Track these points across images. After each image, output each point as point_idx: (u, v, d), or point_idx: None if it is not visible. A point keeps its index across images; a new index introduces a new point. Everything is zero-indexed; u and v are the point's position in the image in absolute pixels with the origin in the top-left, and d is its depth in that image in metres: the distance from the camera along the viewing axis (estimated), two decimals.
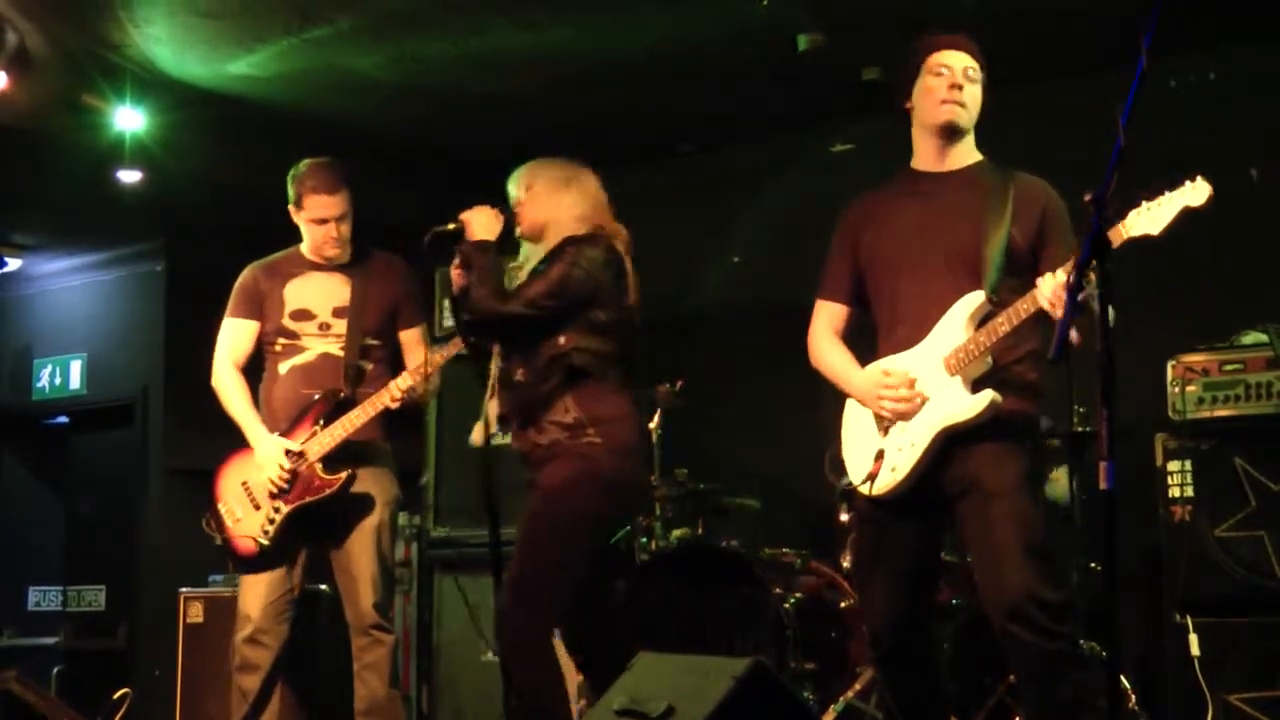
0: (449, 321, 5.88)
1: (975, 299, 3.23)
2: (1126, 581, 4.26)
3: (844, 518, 4.62)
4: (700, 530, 5.13)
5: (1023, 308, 3.11)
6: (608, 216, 3.87)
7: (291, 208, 4.41)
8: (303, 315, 4.39)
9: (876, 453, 3.31)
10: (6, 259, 7.73)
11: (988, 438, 3.19)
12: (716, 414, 5.87)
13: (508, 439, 3.90)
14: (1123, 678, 4.18)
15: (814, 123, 5.99)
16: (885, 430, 3.33)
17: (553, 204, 3.84)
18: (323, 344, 4.38)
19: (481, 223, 3.83)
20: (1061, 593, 3.17)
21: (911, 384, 3.26)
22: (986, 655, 4.05)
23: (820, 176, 5.92)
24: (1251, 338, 4.49)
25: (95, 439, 8.13)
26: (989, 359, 3.21)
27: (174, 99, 5.49)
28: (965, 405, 3.19)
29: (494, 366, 3.87)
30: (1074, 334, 2.86)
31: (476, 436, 3.89)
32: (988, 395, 3.17)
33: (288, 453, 4.23)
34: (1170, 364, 4.53)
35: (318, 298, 4.40)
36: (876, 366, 3.36)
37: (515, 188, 3.90)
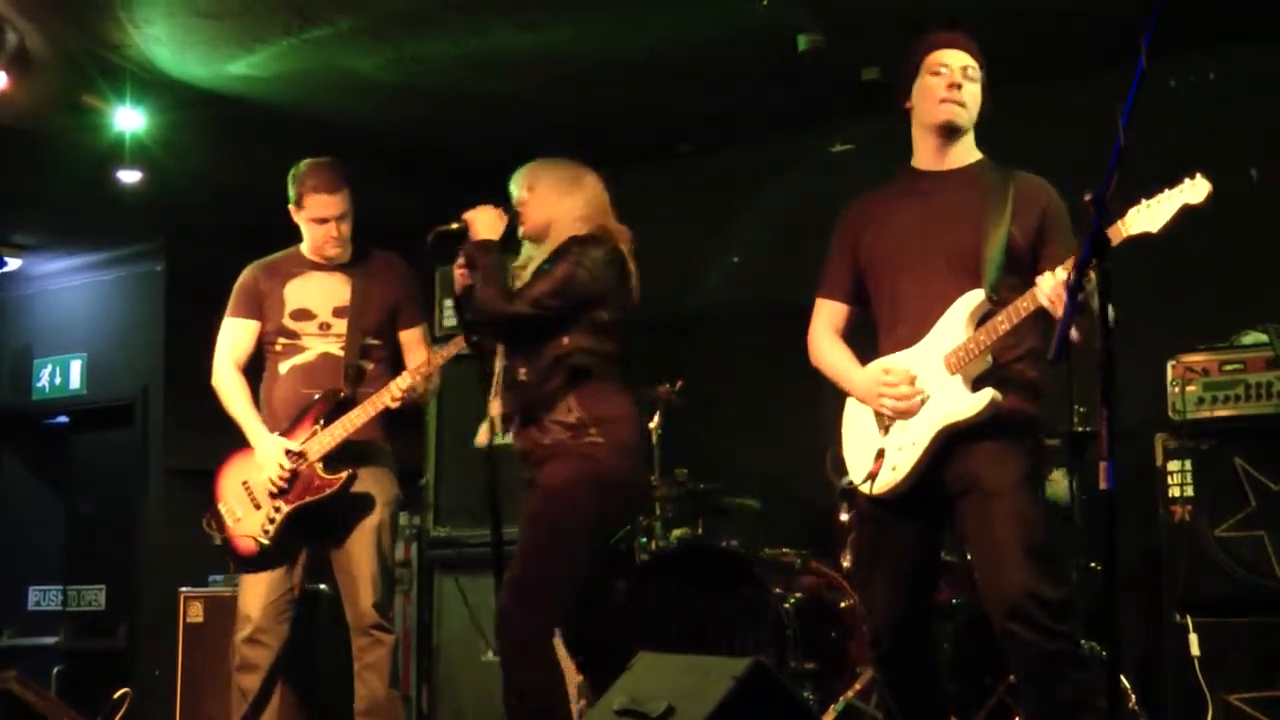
0: (449, 321, 5.89)
1: (975, 297, 3.23)
2: (1126, 581, 4.26)
3: (844, 518, 4.61)
4: (700, 530, 5.13)
5: (1022, 306, 3.11)
6: (610, 217, 3.88)
7: (292, 207, 4.41)
8: (303, 315, 4.39)
9: (877, 452, 3.32)
10: (6, 259, 7.73)
11: (988, 436, 3.19)
12: (716, 414, 5.87)
13: (509, 439, 3.90)
14: (1123, 678, 4.18)
15: (814, 123, 5.99)
16: (886, 429, 3.33)
17: (556, 204, 3.85)
18: (323, 344, 4.38)
19: (485, 222, 3.84)
20: (1061, 591, 3.17)
21: (912, 381, 3.26)
22: (986, 655, 4.05)
23: (820, 176, 5.92)
24: (1251, 338, 4.49)
25: (95, 439, 8.13)
26: (989, 357, 3.22)
27: (174, 99, 5.49)
28: (965, 404, 3.19)
29: (497, 366, 3.88)
30: (1074, 333, 2.86)
31: (482, 437, 3.89)
32: (988, 394, 3.17)
33: (288, 453, 4.23)
34: (1170, 364, 4.53)
35: (318, 297, 4.40)
36: (877, 365, 3.36)
37: (518, 188, 3.91)
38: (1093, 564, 4.44)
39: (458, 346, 4.30)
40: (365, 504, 4.31)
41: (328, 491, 4.23)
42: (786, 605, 4.51)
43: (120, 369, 7.82)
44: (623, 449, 3.75)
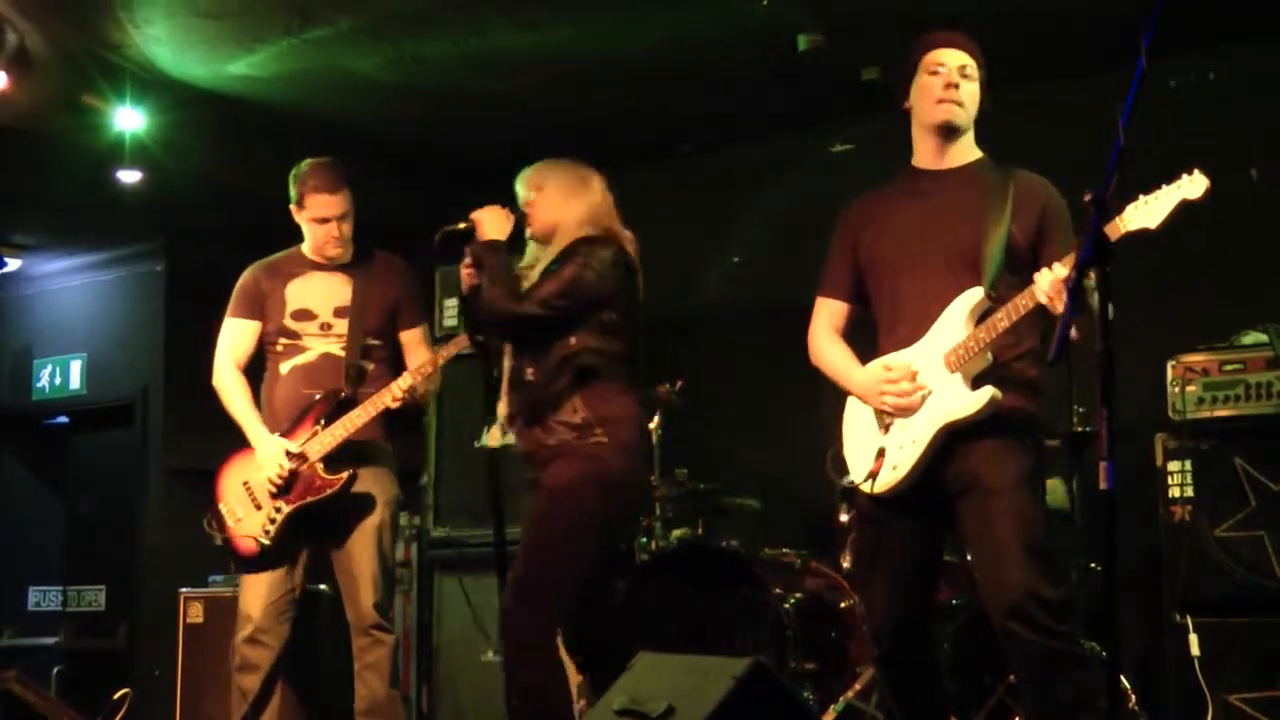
0: (450, 321, 5.89)
1: (974, 295, 3.23)
2: (1126, 581, 4.26)
3: (844, 518, 4.61)
4: (700, 530, 5.13)
5: (1021, 303, 3.11)
6: (616, 219, 3.90)
7: (293, 207, 4.41)
8: (304, 315, 4.39)
9: (878, 451, 3.32)
10: (6, 259, 7.73)
11: (988, 435, 3.19)
12: (716, 414, 5.87)
13: (511, 439, 3.90)
14: (1123, 678, 4.17)
15: (814, 123, 5.99)
16: (886, 428, 3.33)
17: (563, 206, 3.85)
18: (324, 344, 4.38)
19: (492, 222, 3.84)
20: (1062, 590, 3.17)
21: (913, 376, 3.26)
22: (986, 655, 4.05)
23: (820, 176, 5.92)
24: (1251, 338, 4.49)
25: (95, 439, 8.13)
26: (989, 355, 3.22)
27: (174, 99, 5.49)
28: (965, 402, 3.19)
29: (506, 366, 3.88)
30: (1073, 332, 2.86)
31: (495, 439, 3.89)
32: (988, 392, 3.17)
33: (288, 453, 4.23)
34: (1170, 364, 4.53)
35: (319, 297, 4.40)
36: (878, 363, 3.36)
37: (525, 188, 3.91)
38: (1093, 564, 4.44)
39: (458, 346, 4.31)
40: (366, 504, 4.31)
41: (328, 491, 4.23)
42: (786, 605, 4.51)
43: (120, 369, 7.82)
44: (626, 449, 3.76)
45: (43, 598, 8.34)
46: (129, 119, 5.48)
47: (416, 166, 6.48)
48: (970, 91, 3.34)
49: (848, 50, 5.15)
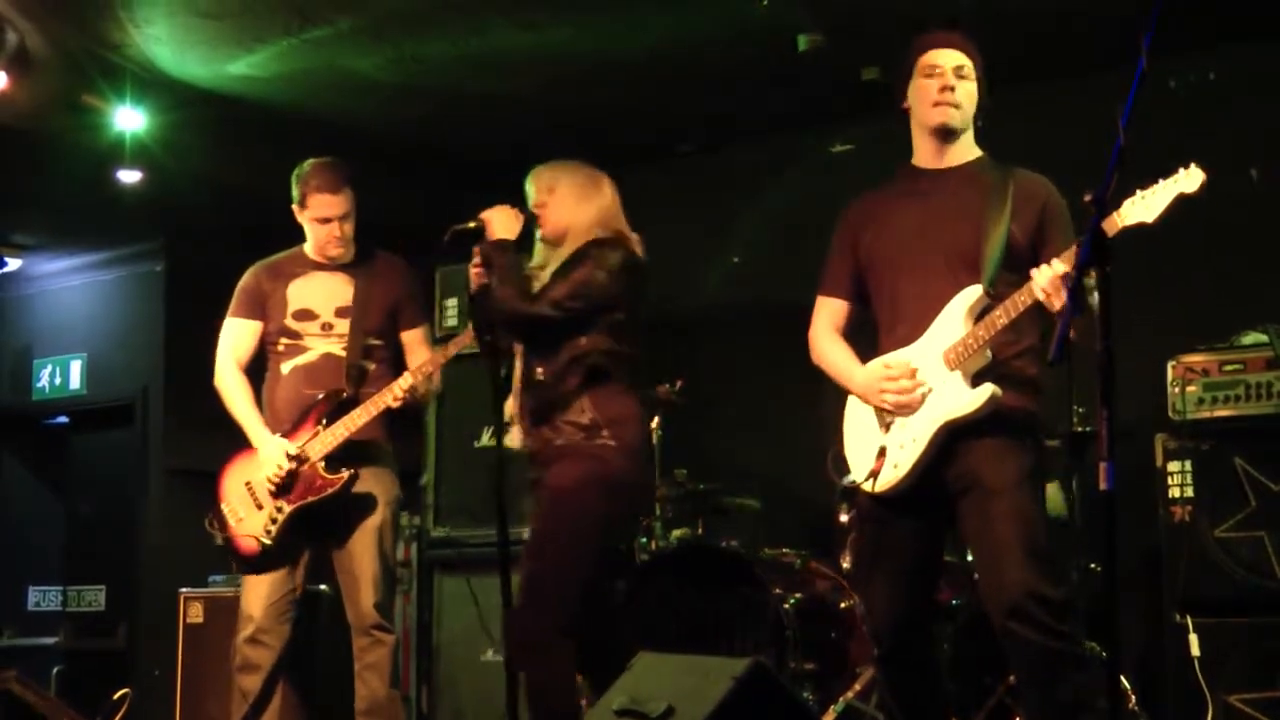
0: (450, 321, 5.90)
1: (973, 293, 3.23)
2: (1126, 582, 4.26)
3: (844, 518, 4.61)
4: (700, 530, 5.13)
5: (1020, 300, 3.11)
6: (624, 222, 3.91)
7: (295, 207, 4.41)
8: (305, 315, 4.39)
9: (879, 450, 3.32)
10: (6, 259, 7.73)
11: (988, 434, 3.19)
12: (716, 414, 5.87)
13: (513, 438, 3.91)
14: (1123, 678, 4.17)
15: (814, 123, 5.99)
16: (887, 427, 3.33)
17: (576, 208, 3.87)
18: (325, 344, 4.38)
19: (501, 222, 3.85)
20: (1062, 591, 3.17)
21: (913, 374, 3.26)
22: (986, 655, 4.05)
23: (820, 176, 5.92)
24: (1251, 338, 4.49)
25: (95, 439, 8.13)
26: (988, 353, 3.22)
27: (174, 99, 5.49)
28: (965, 399, 3.19)
29: (517, 365, 3.89)
30: (1071, 332, 2.86)
31: (514, 439, 3.89)
32: (988, 389, 3.17)
33: (288, 454, 4.23)
34: (1170, 364, 4.53)
35: (320, 297, 4.40)
36: (878, 361, 3.36)
37: (536, 190, 3.92)
38: (1093, 564, 4.44)
39: (458, 346, 4.31)
40: (367, 504, 4.31)
41: (329, 491, 4.23)
42: (786, 605, 4.51)
43: (120, 369, 7.82)
44: (631, 451, 3.78)
45: (43, 598, 8.34)
46: (129, 119, 5.48)
47: (416, 166, 6.48)
48: (967, 91, 3.34)
49: (848, 50, 5.15)
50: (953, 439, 3.22)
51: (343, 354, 4.36)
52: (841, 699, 4.39)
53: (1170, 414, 4.51)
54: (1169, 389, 4.51)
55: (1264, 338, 4.44)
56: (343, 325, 4.38)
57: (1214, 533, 4.40)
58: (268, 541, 4.26)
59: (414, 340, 4.49)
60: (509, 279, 3.76)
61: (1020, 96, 4.92)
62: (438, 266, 5.95)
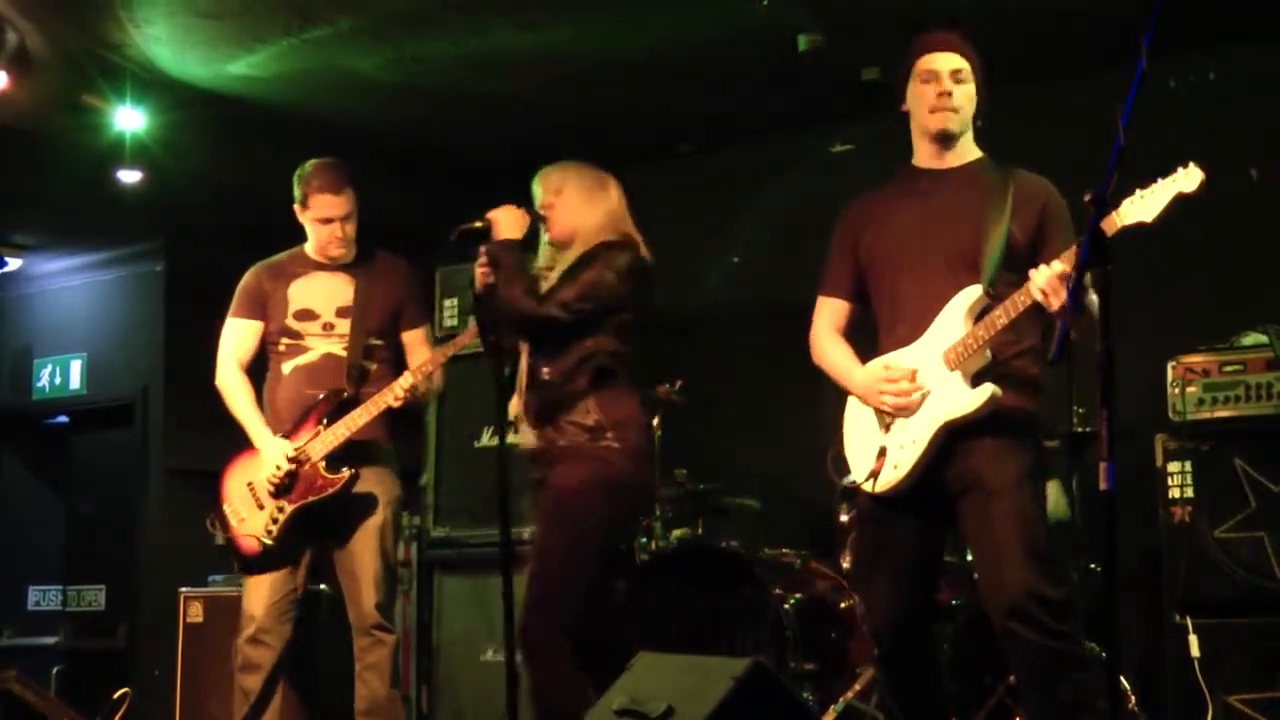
0: (450, 321, 5.89)
1: (973, 293, 3.24)
2: (1126, 582, 4.25)
3: (844, 518, 4.62)
4: (700, 530, 5.13)
5: (1020, 300, 3.11)
6: (631, 224, 3.93)
7: (297, 207, 4.41)
8: (306, 315, 4.39)
9: (879, 450, 3.32)
10: (6, 259, 7.73)
11: (988, 434, 3.19)
12: (716, 414, 5.87)
13: (516, 438, 3.92)
14: (1123, 678, 4.17)
15: (814, 123, 5.99)
16: (887, 427, 3.33)
17: (583, 210, 3.88)
18: (326, 344, 4.38)
19: (508, 222, 3.85)
20: (1062, 591, 3.17)
21: (913, 376, 3.26)
22: (986, 655, 4.05)
23: (820, 176, 5.92)
24: (1251, 339, 4.49)
25: (95, 439, 8.13)
26: (988, 353, 3.22)
27: (174, 99, 5.49)
28: (965, 399, 3.20)
29: (523, 365, 3.89)
30: (1071, 332, 2.86)
31: (526, 438, 3.90)
32: (987, 389, 3.17)
33: (288, 456, 4.23)
34: (1170, 365, 4.53)
35: (321, 298, 4.40)
36: (878, 362, 3.36)
37: (544, 190, 3.92)
38: (1093, 565, 4.44)
39: (458, 346, 4.31)
40: (368, 504, 4.31)
41: (330, 491, 4.23)
42: (786, 605, 4.51)
43: (120, 369, 7.82)
44: (635, 452, 3.79)
45: (43, 597, 8.34)
46: (129, 119, 5.48)
47: (416, 166, 6.48)
48: (965, 94, 3.35)
49: (848, 50, 5.15)
50: (953, 439, 3.22)
51: (344, 354, 4.36)
52: (841, 699, 4.39)
53: (1170, 414, 4.51)
54: (1169, 389, 4.51)
55: (1264, 338, 4.44)
56: (344, 325, 4.38)
57: (1214, 533, 4.40)
58: (269, 542, 4.26)
59: (415, 340, 4.49)
60: (516, 279, 3.77)
61: (1020, 96, 4.92)
62: (438, 266, 5.95)
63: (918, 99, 3.37)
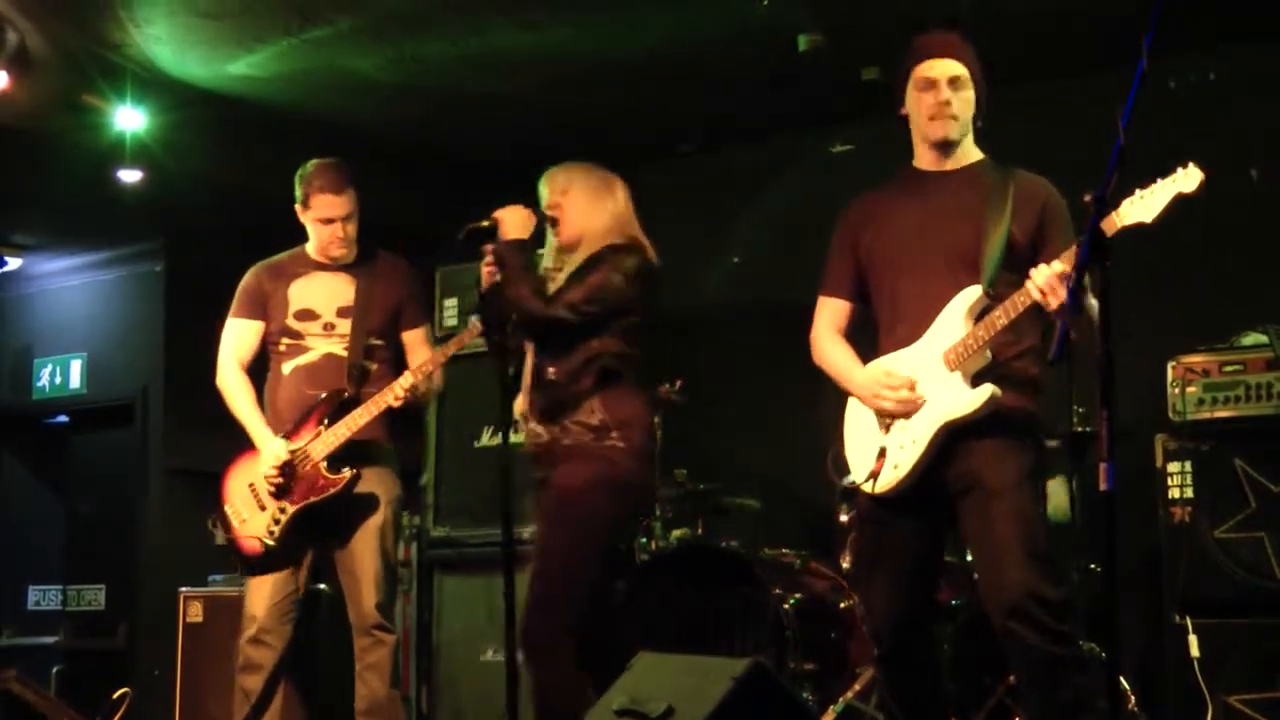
0: (450, 321, 5.90)
1: (973, 293, 3.24)
2: (1126, 582, 4.25)
3: (844, 518, 4.62)
4: (700, 530, 5.13)
5: (1019, 300, 3.11)
6: (638, 228, 3.93)
7: (298, 207, 4.41)
8: (307, 315, 4.39)
9: (879, 450, 3.32)
10: (6, 259, 7.73)
11: (989, 434, 3.19)
12: (716, 414, 5.87)
13: (519, 437, 3.92)
14: (1122, 679, 4.17)
15: (814, 123, 5.99)
16: (887, 428, 3.33)
17: (589, 211, 3.89)
18: (326, 344, 4.38)
19: (514, 221, 3.85)
20: (1062, 591, 3.17)
21: (912, 386, 3.27)
22: (986, 655, 4.05)
23: (820, 176, 5.92)
24: (1251, 339, 4.49)
25: (95, 439, 8.13)
26: (987, 353, 3.22)
27: (174, 99, 5.49)
28: (965, 400, 3.20)
29: (528, 364, 3.89)
30: (1072, 332, 2.86)
31: (535, 436, 3.90)
32: (987, 389, 3.17)
33: (292, 454, 4.23)
34: (1170, 365, 4.53)
35: (322, 298, 4.41)
36: (878, 365, 3.36)
37: (550, 191, 3.93)
38: (1093, 565, 4.44)
39: (458, 345, 4.31)
40: (369, 504, 4.31)
41: (332, 491, 4.23)
42: (786, 606, 4.51)
43: (120, 369, 7.82)
44: (638, 453, 3.80)
45: (42, 597, 8.34)
46: (129, 119, 5.48)
47: (416, 166, 6.48)
48: (964, 99, 3.34)
49: (848, 50, 5.15)
50: (953, 439, 3.22)
51: (344, 354, 4.36)
52: (841, 699, 4.39)
53: (1170, 414, 4.51)
54: (1169, 389, 4.51)
55: (1264, 338, 4.44)
56: (344, 325, 4.38)
57: (1214, 533, 4.40)
58: (271, 543, 4.26)
59: (415, 340, 4.49)
60: (522, 279, 3.77)
61: (1020, 96, 4.92)
62: (438, 266, 5.95)
63: (917, 107, 3.37)
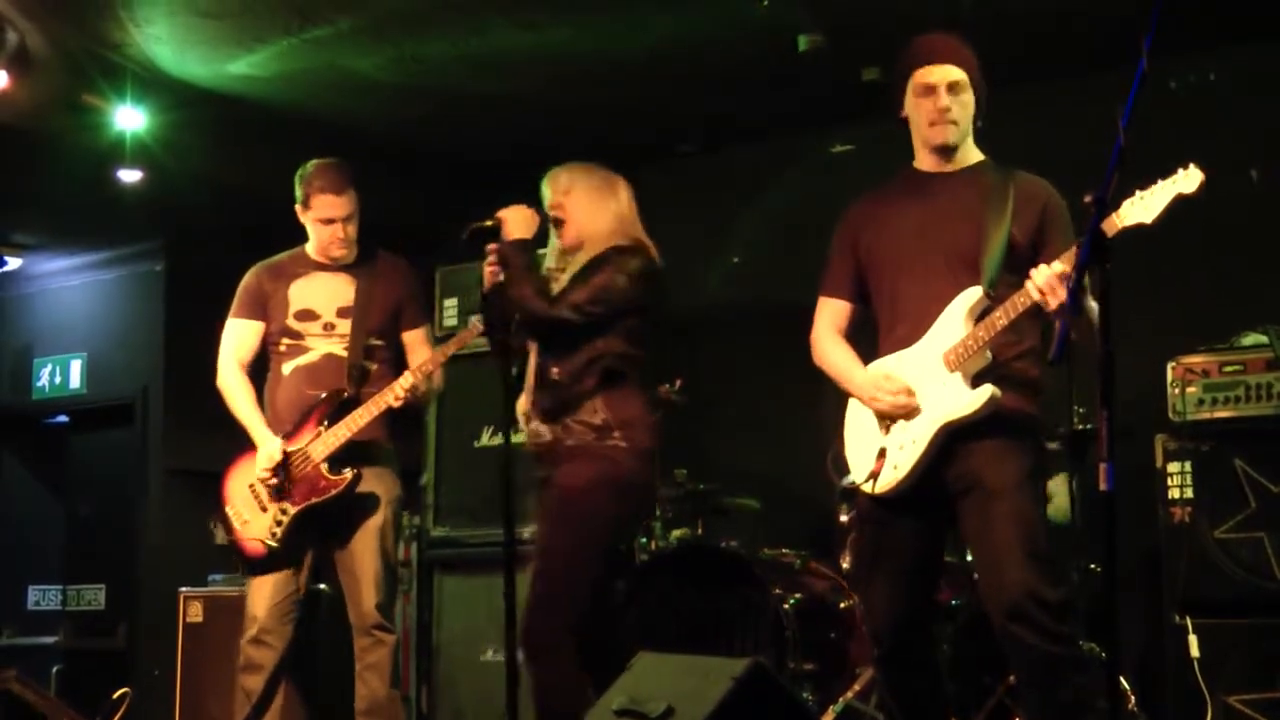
0: (450, 321, 5.90)
1: (973, 294, 3.24)
2: (1126, 582, 4.26)
3: (844, 518, 4.62)
4: (700, 530, 5.13)
5: (1019, 301, 3.11)
6: (641, 229, 3.94)
7: (298, 207, 4.41)
8: (307, 315, 4.39)
9: (879, 451, 3.32)
10: (6, 259, 7.73)
11: (989, 435, 3.19)
12: (716, 414, 5.87)
13: (520, 437, 3.92)
14: (1122, 679, 4.17)
15: (814, 123, 5.99)
16: (887, 428, 3.33)
17: (592, 212, 3.90)
18: (327, 344, 4.38)
19: (518, 221, 3.85)
20: (1062, 592, 3.17)
21: (910, 393, 3.27)
22: (986, 655, 4.05)
23: (820, 176, 5.92)
24: (1251, 339, 4.49)
25: (95, 439, 8.13)
26: (988, 354, 3.22)
27: (174, 99, 5.49)
28: (965, 401, 3.20)
29: (531, 363, 3.89)
30: (1072, 332, 2.86)
31: (539, 436, 3.90)
32: (987, 390, 3.17)
33: (292, 454, 4.23)
34: (1170, 365, 4.53)
35: (322, 298, 4.41)
36: (879, 367, 3.36)
37: (553, 191, 3.93)
38: (1093, 565, 4.44)
39: (458, 345, 4.31)
40: (369, 504, 4.31)
41: (333, 492, 4.23)
42: (786, 606, 4.51)
43: (120, 369, 7.82)
44: (641, 452, 3.81)
45: (42, 597, 8.34)
46: (129, 118, 5.48)
47: (416, 166, 6.48)
48: (963, 103, 3.34)
49: (848, 50, 5.15)
50: (953, 440, 3.22)
51: (344, 354, 4.36)
52: (841, 699, 4.39)
53: (1170, 415, 4.51)
54: (1169, 390, 4.51)
55: (1264, 339, 4.44)
56: (344, 325, 4.38)
57: (1214, 534, 4.40)
58: (274, 544, 4.25)
59: (415, 340, 4.49)
60: (525, 279, 3.78)
61: (1020, 96, 4.92)
62: (438, 266, 5.95)
63: (916, 113, 3.37)
